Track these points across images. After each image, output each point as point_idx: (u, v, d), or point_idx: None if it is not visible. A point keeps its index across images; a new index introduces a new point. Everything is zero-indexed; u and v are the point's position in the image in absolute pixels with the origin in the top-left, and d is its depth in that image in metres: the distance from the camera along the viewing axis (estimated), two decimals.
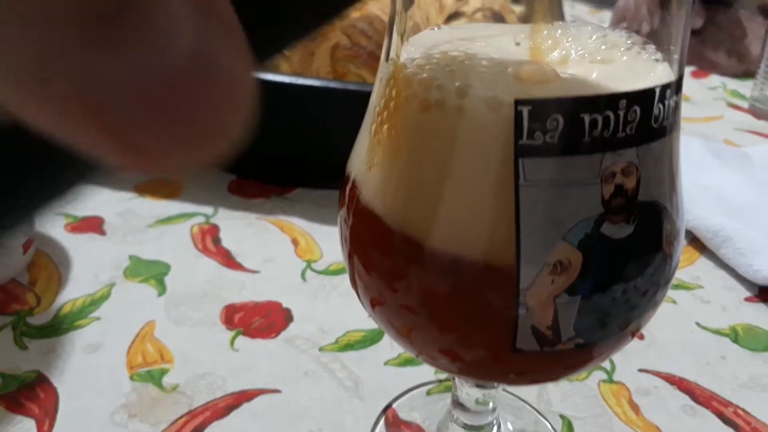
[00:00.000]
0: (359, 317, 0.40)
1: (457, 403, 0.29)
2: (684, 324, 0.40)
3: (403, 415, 0.33)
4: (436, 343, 0.22)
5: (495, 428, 0.30)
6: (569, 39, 0.21)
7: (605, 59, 0.20)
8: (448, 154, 0.19)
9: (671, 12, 0.20)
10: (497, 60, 0.20)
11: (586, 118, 0.18)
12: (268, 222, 0.49)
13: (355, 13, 0.68)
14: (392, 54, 0.21)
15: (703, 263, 0.46)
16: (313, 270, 0.44)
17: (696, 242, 0.48)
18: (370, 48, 0.62)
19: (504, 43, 0.21)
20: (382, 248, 0.22)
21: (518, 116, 0.18)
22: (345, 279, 0.43)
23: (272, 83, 0.48)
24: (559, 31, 0.22)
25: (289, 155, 0.55)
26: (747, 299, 0.43)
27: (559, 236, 0.19)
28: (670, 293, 0.43)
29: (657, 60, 0.20)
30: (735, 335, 0.39)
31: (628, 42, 0.21)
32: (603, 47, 0.21)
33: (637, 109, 0.18)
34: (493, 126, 0.18)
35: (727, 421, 0.33)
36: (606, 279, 0.19)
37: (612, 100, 0.18)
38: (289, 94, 0.49)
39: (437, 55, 0.20)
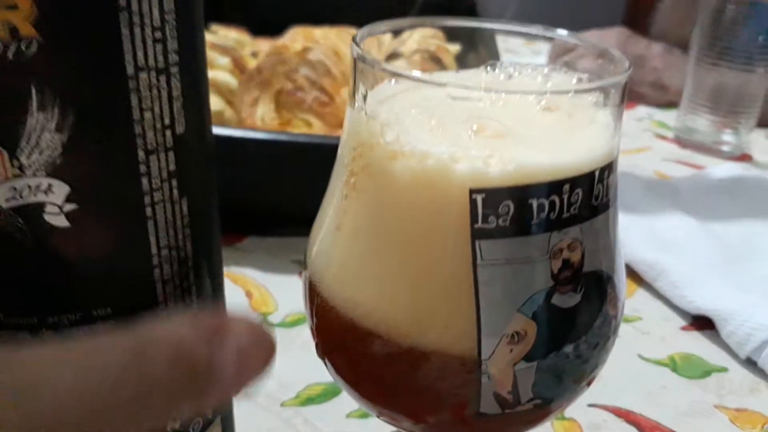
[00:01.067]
0: (318, 369, 0.40)
1: None
2: (627, 357, 0.43)
3: None
4: (402, 410, 0.24)
5: None
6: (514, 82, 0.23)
7: (550, 106, 0.22)
8: (409, 237, 0.21)
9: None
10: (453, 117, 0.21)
11: (534, 202, 0.20)
12: None
13: (295, 58, 0.69)
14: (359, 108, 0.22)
15: (640, 295, 0.49)
16: (269, 323, 0.44)
17: (634, 275, 0.50)
18: (313, 93, 0.64)
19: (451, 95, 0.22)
20: (346, 338, 0.23)
21: (473, 203, 0.19)
22: (302, 330, 0.44)
23: (220, 136, 0.48)
24: (506, 75, 0.24)
25: (239, 204, 0.55)
26: (683, 328, 0.46)
27: (515, 309, 0.20)
28: None
29: (597, 104, 0.22)
30: (674, 365, 0.42)
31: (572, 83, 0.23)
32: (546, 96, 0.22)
33: (579, 191, 0.20)
34: (450, 209, 0.20)
35: None
36: (558, 343, 0.21)
37: (557, 185, 0.20)
38: (237, 145, 0.50)
39: (399, 112, 0.21)
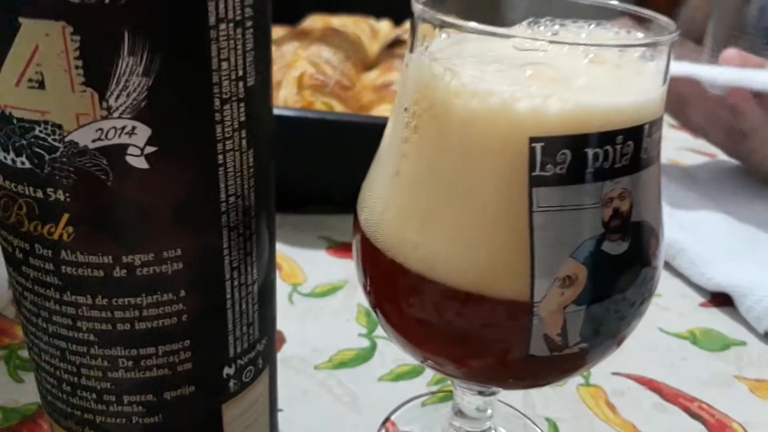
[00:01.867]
0: (349, 336, 0.41)
1: (458, 412, 0.32)
2: (648, 330, 0.44)
3: (402, 426, 0.35)
4: (451, 354, 0.25)
5: None
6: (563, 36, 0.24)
7: (599, 59, 0.22)
8: (468, 178, 0.22)
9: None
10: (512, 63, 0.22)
11: (590, 152, 0.21)
12: None
13: (316, 43, 0.71)
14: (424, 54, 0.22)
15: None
16: (299, 293, 0.45)
17: None
18: (335, 77, 0.65)
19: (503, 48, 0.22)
20: (400, 285, 0.24)
21: (532, 151, 0.20)
22: (332, 300, 0.45)
23: None
24: (551, 31, 0.25)
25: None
26: (701, 305, 0.47)
27: (567, 254, 0.21)
28: None
29: (644, 59, 0.23)
30: (694, 338, 0.43)
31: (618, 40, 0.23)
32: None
33: (631, 143, 0.21)
34: (509, 151, 0.21)
35: (693, 415, 0.37)
36: (607, 288, 0.22)
37: (611, 136, 0.21)
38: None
39: (461, 57, 0.22)
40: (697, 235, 0.50)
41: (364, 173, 0.27)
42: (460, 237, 0.22)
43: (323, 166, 0.53)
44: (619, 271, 0.22)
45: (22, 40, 0.18)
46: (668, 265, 0.50)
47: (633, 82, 0.22)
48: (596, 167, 0.21)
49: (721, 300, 0.47)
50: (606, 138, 0.21)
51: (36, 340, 0.24)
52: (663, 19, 0.23)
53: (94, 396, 0.24)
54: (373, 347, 0.41)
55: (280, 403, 0.35)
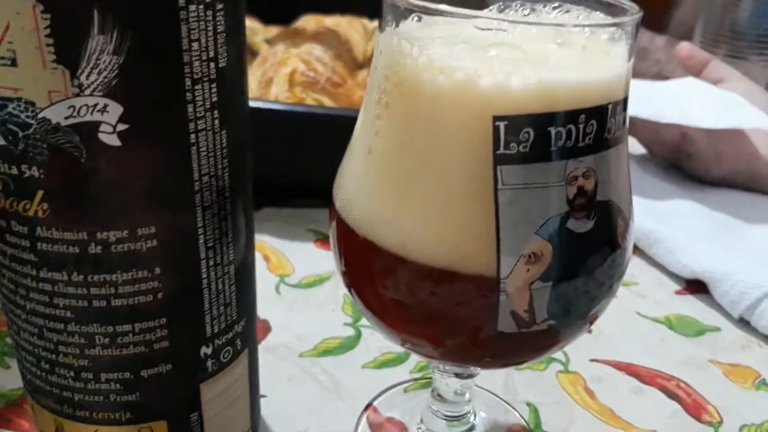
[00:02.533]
0: (335, 325, 0.42)
1: (438, 396, 0.32)
2: (625, 315, 0.45)
3: (384, 411, 0.35)
4: (424, 334, 0.25)
5: (472, 417, 0.33)
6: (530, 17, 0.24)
7: (567, 41, 0.23)
8: (436, 155, 0.22)
9: None
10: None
11: (553, 130, 0.21)
12: None
13: (308, 42, 0.71)
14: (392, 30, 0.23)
15: (636, 263, 0.51)
16: (286, 284, 0.46)
17: None
18: (326, 74, 0.65)
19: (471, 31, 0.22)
20: (373, 261, 0.24)
21: (496, 129, 0.21)
22: (318, 291, 0.45)
23: None
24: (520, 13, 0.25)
25: (257, 176, 0.56)
26: (677, 292, 0.48)
27: (532, 231, 0.22)
28: None
29: (611, 42, 0.23)
30: (670, 323, 0.44)
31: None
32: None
33: (594, 122, 0.22)
34: (474, 127, 0.21)
35: (670, 395, 0.37)
36: (573, 266, 0.23)
37: (574, 115, 0.21)
38: (255, 117, 0.51)
39: (429, 36, 0.22)
40: (672, 225, 0.51)
41: None
42: (429, 213, 0.22)
43: (312, 160, 0.54)
44: (584, 249, 0.23)
45: None
46: (645, 255, 0.51)
47: (597, 63, 0.22)
48: (560, 146, 0.21)
49: (696, 288, 0.47)
50: (569, 117, 0.21)
51: (15, 319, 0.25)
52: (627, 2, 0.24)
53: (71, 374, 0.24)
54: (358, 336, 0.41)
55: (265, 389, 0.36)
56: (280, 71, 0.65)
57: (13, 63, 0.19)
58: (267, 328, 0.41)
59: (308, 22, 0.82)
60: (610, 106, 0.22)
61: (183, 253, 0.24)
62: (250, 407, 0.30)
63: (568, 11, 0.24)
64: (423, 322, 0.24)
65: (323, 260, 0.49)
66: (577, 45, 0.23)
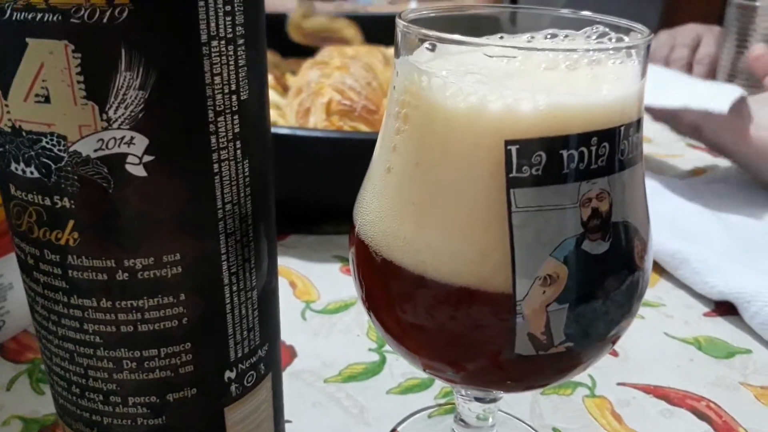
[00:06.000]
0: (359, 351, 0.42)
1: (461, 421, 0.32)
2: (653, 336, 0.44)
3: None
4: (443, 357, 0.25)
5: None
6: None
7: (577, 66, 0.23)
8: (451, 177, 0.23)
9: None
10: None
11: (564, 153, 0.21)
12: None
13: (337, 72, 0.73)
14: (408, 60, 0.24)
15: (663, 285, 0.50)
16: (312, 310, 0.46)
17: (656, 266, 0.52)
18: (361, 102, 0.67)
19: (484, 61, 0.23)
20: (390, 282, 0.25)
21: (508, 153, 0.21)
22: (344, 317, 0.46)
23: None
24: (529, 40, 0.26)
25: (284, 203, 0.58)
26: (705, 314, 0.47)
27: (547, 253, 0.22)
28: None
29: (621, 66, 0.23)
30: (699, 345, 0.43)
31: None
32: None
33: (606, 144, 0.22)
34: (486, 152, 0.22)
35: (700, 415, 0.37)
36: (589, 288, 0.23)
37: (585, 138, 0.22)
38: (287, 146, 0.52)
39: (442, 65, 0.23)
40: (699, 245, 0.50)
41: None
42: (445, 234, 0.23)
43: (338, 187, 0.55)
44: (601, 270, 0.23)
45: (29, 58, 0.20)
46: (672, 277, 0.50)
47: (607, 87, 0.23)
48: (572, 168, 0.22)
49: (725, 309, 0.47)
50: (580, 139, 0.21)
51: (47, 344, 0.25)
52: (638, 26, 0.24)
53: (100, 397, 0.25)
54: (383, 361, 0.41)
55: (290, 414, 0.36)
56: (317, 101, 0.66)
57: (47, 100, 0.21)
58: (293, 354, 0.42)
59: (331, 52, 0.84)
60: (622, 128, 0.22)
61: (207, 279, 0.24)
62: (274, 431, 0.31)
63: (587, 36, 0.25)
64: (441, 344, 0.25)
65: (348, 286, 0.49)
66: (587, 69, 0.23)
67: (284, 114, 0.69)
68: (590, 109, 0.22)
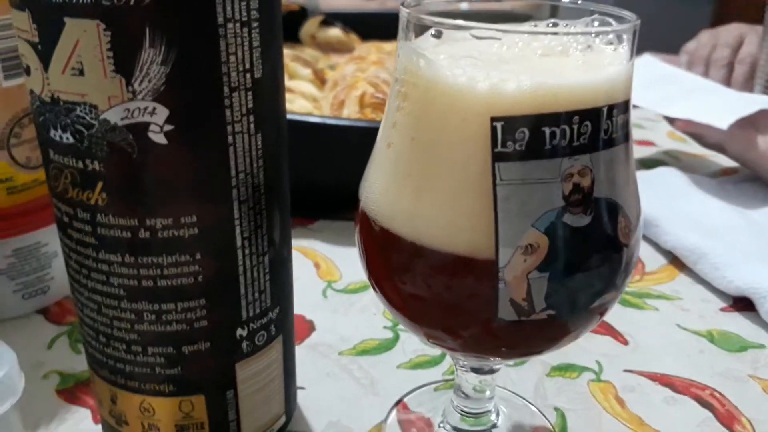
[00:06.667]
0: (375, 328, 0.44)
1: (459, 391, 0.33)
2: (666, 327, 0.45)
3: (413, 407, 0.37)
4: (438, 322, 0.27)
5: (493, 416, 0.34)
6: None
7: (565, 50, 0.25)
8: (443, 151, 0.24)
9: None
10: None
11: (547, 130, 0.23)
12: (294, 249, 0.54)
13: (373, 66, 0.75)
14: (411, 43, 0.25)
15: (682, 279, 0.50)
16: (333, 289, 0.49)
17: (676, 261, 0.52)
18: None
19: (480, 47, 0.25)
20: (388, 251, 0.27)
21: (493, 130, 0.23)
22: (362, 297, 0.48)
23: (301, 124, 0.54)
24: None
25: (312, 191, 0.60)
26: (722, 309, 0.47)
27: (529, 224, 0.24)
28: (653, 302, 0.47)
29: (607, 50, 0.25)
30: (711, 337, 0.44)
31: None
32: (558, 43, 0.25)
33: (589, 123, 0.23)
34: (473, 128, 0.23)
35: (704, 403, 0.37)
36: (569, 258, 0.24)
37: (567, 116, 0.23)
38: (318, 134, 0.55)
39: (438, 49, 0.25)
40: (719, 240, 0.50)
41: None
42: (438, 205, 0.24)
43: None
44: (581, 242, 0.24)
45: (66, 36, 0.23)
46: (691, 272, 0.51)
47: (593, 69, 0.24)
48: (554, 145, 0.23)
49: (743, 305, 0.47)
50: (562, 118, 0.23)
51: (79, 296, 0.28)
52: (627, 13, 0.25)
53: (123, 346, 0.28)
54: (396, 338, 0.43)
55: (304, 381, 0.38)
56: (351, 94, 0.68)
57: (81, 73, 0.23)
58: (311, 328, 0.44)
59: (369, 47, 0.87)
60: (605, 109, 0.24)
61: (221, 241, 0.27)
62: (284, 392, 0.33)
63: (586, 25, 0.26)
64: (436, 310, 0.26)
65: None
66: (579, 54, 0.25)
67: (320, 106, 0.72)
68: (574, 89, 0.23)
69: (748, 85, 0.83)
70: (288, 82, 0.74)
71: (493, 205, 0.23)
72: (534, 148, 0.23)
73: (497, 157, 0.23)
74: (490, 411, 0.34)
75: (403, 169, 0.26)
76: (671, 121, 0.69)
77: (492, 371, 0.32)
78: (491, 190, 0.23)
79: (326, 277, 0.50)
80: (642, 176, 0.63)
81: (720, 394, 0.38)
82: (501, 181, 0.23)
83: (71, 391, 0.37)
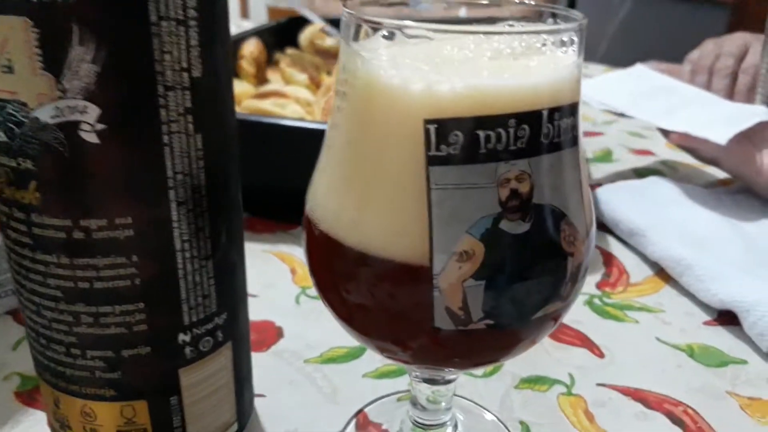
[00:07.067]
0: (345, 336, 0.43)
1: (415, 402, 0.33)
2: (644, 340, 0.43)
3: (372, 417, 0.36)
4: (379, 329, 0.26)
5: (449, 429, 0.33)
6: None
7: (504, 49, 0.23)
8: (377, 155, 0.24)
9: None
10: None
11: (482, 134, 0.22)
12: (271, 254, 0.53)
13: None
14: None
15: (667, 291, 0.49)
16: (306, 295, 0.48)
17: (662, 273, 0.51)
18: None
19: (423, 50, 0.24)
20: (330, 257, 0.26)
21: (426, 132, 0.22)
22: None
23: (278, 127, 0.53)
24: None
25: (294, 196, 0.60)
26: (705, 323, 0.46)
27: (464, 230, 0.23)
28: (634, 314, 0.46)
29: (548, 49, 0.24)
30: (691, 351, 0.42)
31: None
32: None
33: (526, 127, 0.23)
34: (407, 132, 0.23)
35: (675, 420, 0.36)
36: (507, 267, 0.23)
37: (502, 119, 0.22)
38: (293, 138, 0.54)
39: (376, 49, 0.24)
40: (707, 253, 0.49)
41: None
42: (373, 209, 0.24)
43: None
44: (520, 250, 0.23)
45: None
46: (676, 283, 0.49)
47: (536, 71, 0.23)
48: (489, 149, 0.22)
49: (728, 320, 0.45)
50: (498, 121, 0.22)
51: (20, 297, 0.28)
52: (574, 12, 0.24)
53: (63, 349, 0.27)
54: (364, 348, 0.42)
55: (264, 389, 0.38)
56: None
57: (11, 70, 0.23)
58: (279, 334, 0.43)
59: None
60: (544, 112, 0.23)
61: (158, 244, 0.26)
62: (235, 400, 0.32)
63: (511, 23, 0.25)
64: (373, 318, 0.26)
65: None
66: (527, 57, 0.24)
67: (312, 111, 0.71)
68: (511, 91, 0.22)
69: (751, 95, 0.81)
70: (283, 87, 0.74)
71: (428, 210, 0.23)
72: (468, 151, 0.22)
73: (431, 161, 0.22)
74: (445, 423, 0.33)
75: (343, 173, 0.25)
76: (665, 133, 0.68)
77: (447, 382, 0.31)
78: (426, 194, 0.23)
79: (301, 283, 0.49)
80: (632, 185, 0.62)
81: (694, 410, 0.37)
82: (435, 185, 0.23)
83: (30, 394, 0.37)
